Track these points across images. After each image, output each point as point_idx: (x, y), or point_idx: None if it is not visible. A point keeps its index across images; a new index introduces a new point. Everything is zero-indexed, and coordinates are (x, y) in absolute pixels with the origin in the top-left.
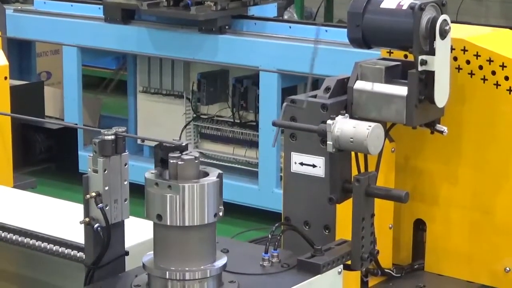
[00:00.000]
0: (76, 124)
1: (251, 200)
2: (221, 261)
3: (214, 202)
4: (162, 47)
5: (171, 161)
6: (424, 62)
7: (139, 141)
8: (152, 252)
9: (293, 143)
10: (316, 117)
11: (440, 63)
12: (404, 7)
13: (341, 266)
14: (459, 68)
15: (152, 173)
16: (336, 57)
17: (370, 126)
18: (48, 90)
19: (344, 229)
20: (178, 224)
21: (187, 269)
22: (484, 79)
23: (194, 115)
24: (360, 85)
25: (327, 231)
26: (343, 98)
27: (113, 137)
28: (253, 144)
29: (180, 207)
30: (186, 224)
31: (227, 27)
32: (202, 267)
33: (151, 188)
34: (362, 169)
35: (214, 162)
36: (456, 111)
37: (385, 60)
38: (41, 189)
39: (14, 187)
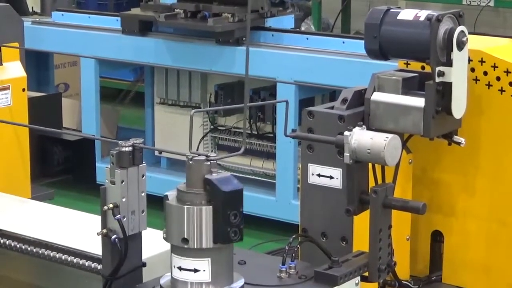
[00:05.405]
0: (94, 136)
1: (269, 212)
2: (238, 283)
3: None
4: (179, 58)
5: None
6: (441, 74)
7: (156, 153)
8: (169, 273)
9: (310, 155)
10: (333, 129)
11: (457, 74)
12: (421, 19)
13: (359, 277)
14: (476, 80)
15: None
16: (353, 69)
17: (387, 137)
18: (66, 102)
19: (361, 241)
20: (196, 247)
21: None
22: (502, 90)
23: (212, 127)
24: (377, 96)
25: (344, 242)
26: (360, 110)
27: (130, 148)
28: (270, 156)
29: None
30: (203, 246)
31: (244, 38)
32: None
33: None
34: (380, 181)
35: (232, 173)
36: (474, 122)
37: (402, 72)
38: (58, 200)
39: (32, 198)
